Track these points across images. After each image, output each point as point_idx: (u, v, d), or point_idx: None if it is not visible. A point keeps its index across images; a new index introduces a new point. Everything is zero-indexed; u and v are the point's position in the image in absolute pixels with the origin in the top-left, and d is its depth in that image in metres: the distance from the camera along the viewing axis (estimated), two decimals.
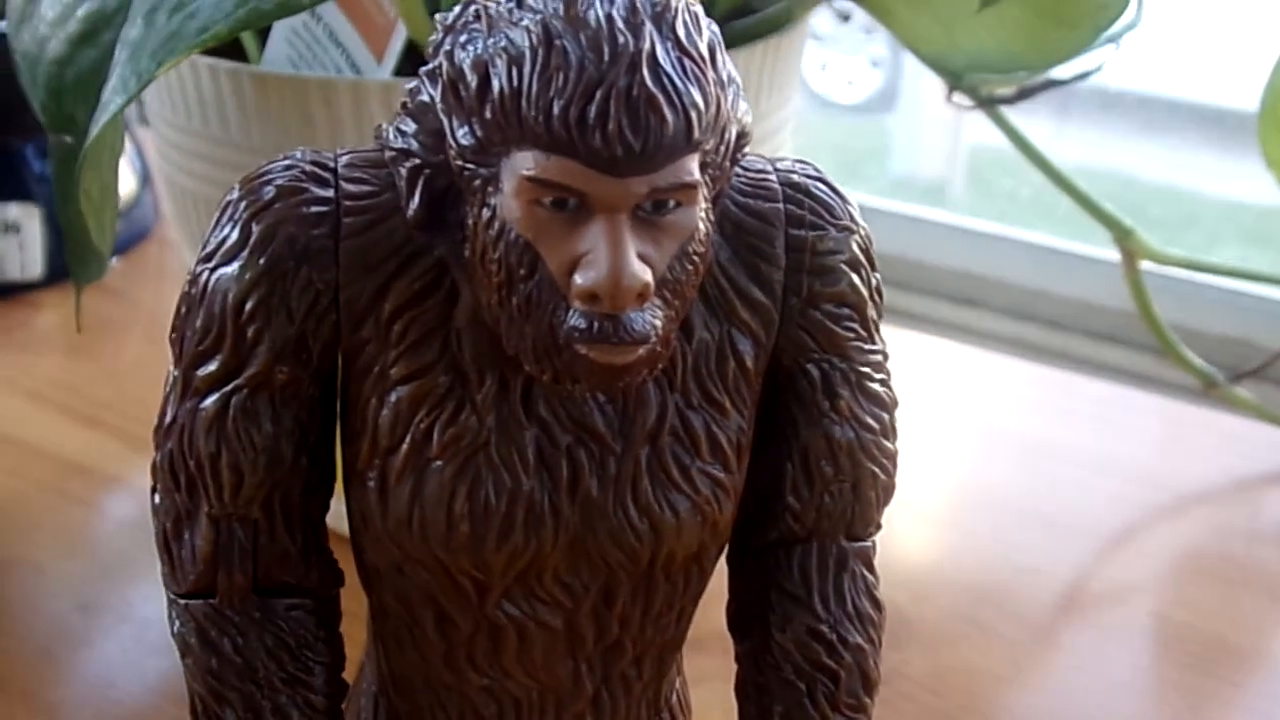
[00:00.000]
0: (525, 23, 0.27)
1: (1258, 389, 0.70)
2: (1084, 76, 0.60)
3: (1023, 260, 1.07)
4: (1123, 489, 0.65)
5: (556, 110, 0.26)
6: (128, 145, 0.85)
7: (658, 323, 0.28)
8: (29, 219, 0.79)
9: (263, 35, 0.52)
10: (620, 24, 0.26)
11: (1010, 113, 0.62)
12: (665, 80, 0.26)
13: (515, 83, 0.26)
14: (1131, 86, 1.39)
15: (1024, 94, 0.61)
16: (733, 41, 0.50)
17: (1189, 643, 0.55)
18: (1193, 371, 0.67)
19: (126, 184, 0.85)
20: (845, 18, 0.61)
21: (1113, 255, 0.66)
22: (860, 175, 1.55)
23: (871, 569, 0.33)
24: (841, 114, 1.68)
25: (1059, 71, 0.59)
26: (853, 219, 0.32)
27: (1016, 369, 0.80)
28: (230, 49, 0.50)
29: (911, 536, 0.62)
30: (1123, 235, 0.64)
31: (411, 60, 0.50)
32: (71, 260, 0.48)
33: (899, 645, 0.53)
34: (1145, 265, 0.65)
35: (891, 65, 1.62)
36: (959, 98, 0.61)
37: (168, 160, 0.53)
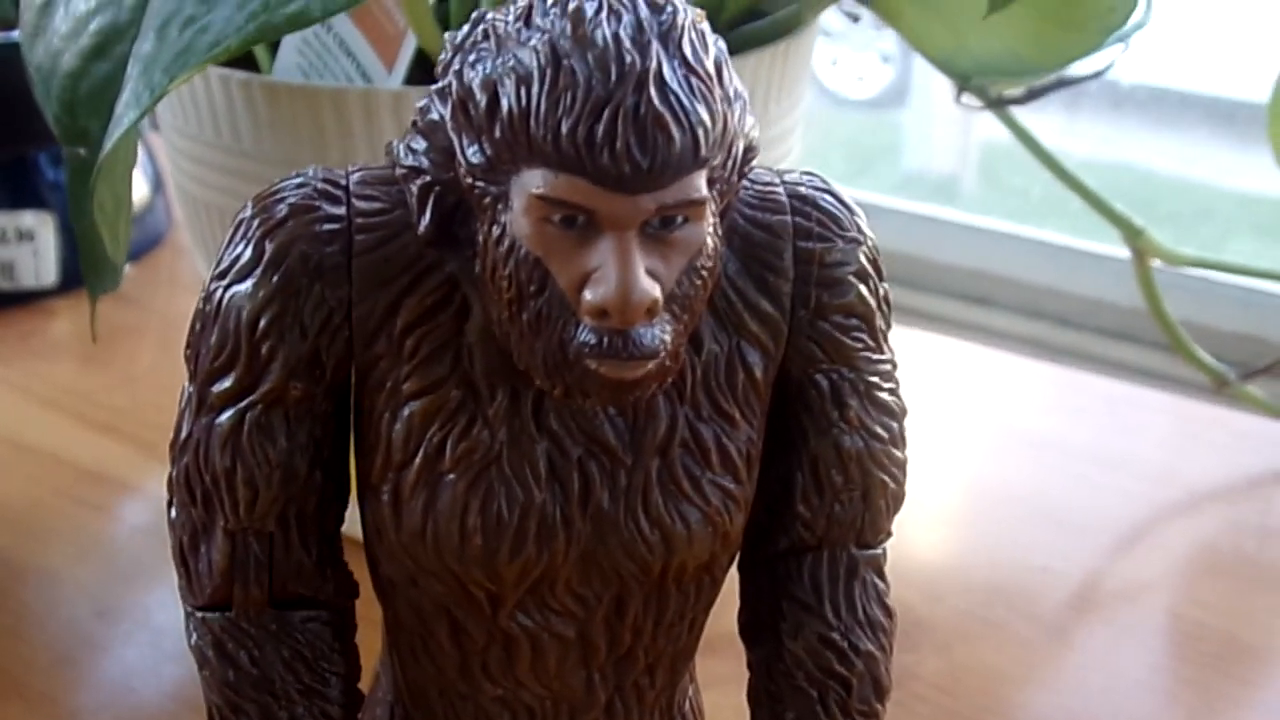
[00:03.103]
0: (533, 42, 0.27)
1: (1269, 386, 0.70)
2: (1093, 77, 0.60)
3: (1033, 258, 1.07)
4: (1134, 487, 0.65)
5: (565, 129, 0.26)
6: (140, 152, 0.85)
7: (667, 337, 0.28)
8: (43, 226, 0.79)
9: (274, 45, 0.52)
10: (627, 43, 0.26)
11: (1020, 107, 0.62)
12: (672, 99, 0.26)
13: (524, 102, 0.27)
14: (1143, 80, 1.39)
15: (1033, 94, 0.61)
16: (743, 45, 0.50)
17: (1202, 640, 0.55)
18: (1204, 369, 0.67)
19: (139, 190, 0.85)
20: (855, 18, 0.61)
21: (1124, 253, 0.66)
22: (871, 171, 1.55)
23: (882, 576, 0.34)
24: (853, 110, 1.68)
25: (1068, 71, 0.59)
26: (860, 230, 0.32)
27: (1027, 367, 0.79)
28: (241, 59, 0.50)
29: (923, 536, 0.62)
30: (1133, 235, 0.64)
31: (421, 69, 0.50)
32: (86, 271, 0.49)
33: (912, 645, 0.53)
34: (1156, 263, 0.65)
35: (902, 60, 1.62)
36: (968, 98, 0.61)
37: (180, 169, 0.54)
